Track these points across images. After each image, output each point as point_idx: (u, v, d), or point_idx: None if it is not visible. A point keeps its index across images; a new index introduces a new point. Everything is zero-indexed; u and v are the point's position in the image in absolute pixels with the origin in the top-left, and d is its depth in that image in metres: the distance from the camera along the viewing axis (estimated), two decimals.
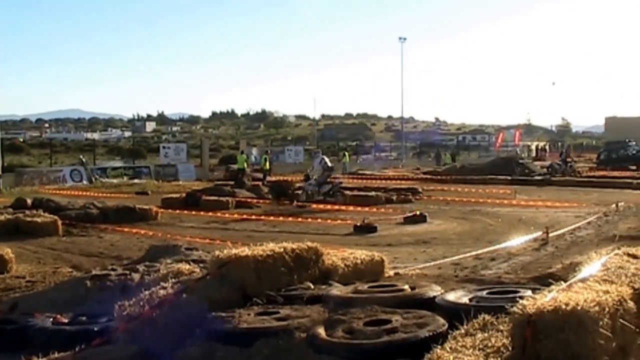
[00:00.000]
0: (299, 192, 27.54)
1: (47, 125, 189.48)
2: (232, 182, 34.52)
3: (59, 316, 7.59)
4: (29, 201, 23.07)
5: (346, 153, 60.08)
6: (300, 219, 20.80)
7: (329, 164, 28.36)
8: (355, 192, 28.99)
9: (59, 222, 18.30)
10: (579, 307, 4.60)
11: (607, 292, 5.08)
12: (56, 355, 6.10)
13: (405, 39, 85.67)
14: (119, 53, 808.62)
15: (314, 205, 25.03)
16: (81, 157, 46.46)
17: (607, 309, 4.77)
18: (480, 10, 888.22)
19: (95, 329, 7.00)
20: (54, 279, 10.70)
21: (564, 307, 4.61)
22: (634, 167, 48.53)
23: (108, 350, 6.27)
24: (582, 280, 5.53)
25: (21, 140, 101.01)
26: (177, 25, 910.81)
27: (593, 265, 6.25)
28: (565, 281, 5.60)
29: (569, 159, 46.25)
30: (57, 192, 33.03)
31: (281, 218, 21.18)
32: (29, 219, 18.36)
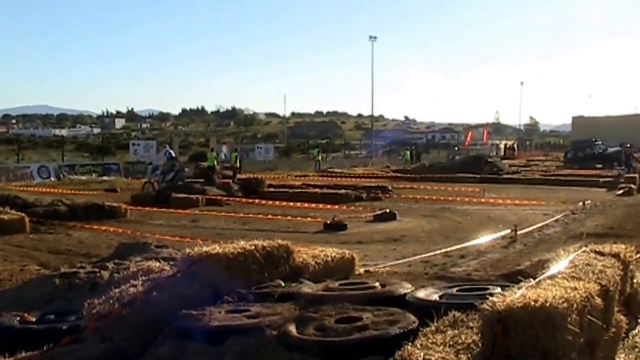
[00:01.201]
0: (147, 184, 30.15)
1: (14, 121, 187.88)
2: (202, 180, 34.39)
3: (26, 315, 7.51)
4: None
5: (319, 150, 60.15)
6: (270, 217, 20.78)
7: (174, 154, 31.57)
8: (326, 190, 29.08)
9: (27, 220, 18.14)
10: (548, 304, 4.64)
11: (575, 289, 5.12)
12: (24, 355, 6.03)
13: (376, 38, 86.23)
14: (88, 49, 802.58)
15: (284, 203, 25.04)
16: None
17: (575, 306, 4.81)
18: (449, 9, 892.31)
19: (64, 327, 6.92)
20: (22, 277, 10.62)
21: (533, 304, 4.65)
22: (600, 166, 49.03)
23: (77, 349, 6.22)
24: (551, 278, 5.58)
25: None
26: (145, 21, 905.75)
27: (561, 263, 6.31)
28: (534, 278, 5.64)
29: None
30: (25, 189, 32.71)
31: (251, 215, 21.15)
32: None
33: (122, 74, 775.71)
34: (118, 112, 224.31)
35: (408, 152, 72.93)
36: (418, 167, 51.72)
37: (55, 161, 49.79)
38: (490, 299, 4.87)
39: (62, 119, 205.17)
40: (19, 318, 7.41)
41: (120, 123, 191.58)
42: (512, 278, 7.80)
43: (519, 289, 5.13)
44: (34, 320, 7.37)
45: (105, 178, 42.75)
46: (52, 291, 8.53)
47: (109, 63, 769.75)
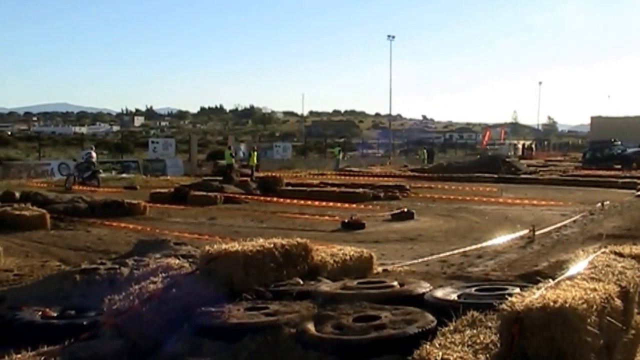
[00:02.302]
0: (67, 177, 34.08)
1: (35, 118, 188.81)
2: (220, 178, 34.45)
3: (47, 310, 7.58)
4: (17, 194, 23.00)
5: (339, 149, 60.17)
6: (287, 215, 20.80)
7: (94, 157, 35.54)
8: (343, 189, 29.07)
9: (47, 216, 18.29)
10: (567, 305, 4.63)
11: (594, 290, 5.11)
12: (45, 349, 6.08)
13: (394, 37, 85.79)
14: (108, 48, 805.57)
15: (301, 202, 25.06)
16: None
17: (594, 307, 4.80)
18: (468, 9, 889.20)
19: (84, 323, 6.99)
20: (42, 272, 10.70)
21: (552, 304, 4.64)
22: (618, 166, 48.74)
23: (96, 344, 6.27)
24: (570, 278, 5.56)
25: (9, 133, 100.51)
26: (165, 21, 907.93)
27: (580, 264, 6.29)
28: (552, 279, 5.63)
29: None
30: (45, 185, 32.88)
31: (269, 214, 21.17)
32: (16, 212, 18.32)
33: (141, 73, 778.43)
34: (137, 110, 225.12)
35: (425, 152, 72.77)
36: (435, 167, 51.59)
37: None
38: (509, 298, 4.88)
39: (82, 117, 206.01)
40: (40, 313, 7.49)
41: (139, 121, 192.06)
42: (530, 278, 7.79)
43: (538, 289, 5.13)
44: (54, 315, 7.45)
45: (124, 175, 42.89)
46: (72, 287, 8.60)
47: (128, 62, 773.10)
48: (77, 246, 15.13)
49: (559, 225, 17.42)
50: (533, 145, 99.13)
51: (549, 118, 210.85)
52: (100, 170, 36.85)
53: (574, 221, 18.34)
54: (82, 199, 21.85)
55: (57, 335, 6.45)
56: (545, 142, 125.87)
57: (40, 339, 6.38)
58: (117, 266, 9.07)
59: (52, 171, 41.38)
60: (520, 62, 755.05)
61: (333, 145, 68.49)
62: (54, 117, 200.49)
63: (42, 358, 5.83)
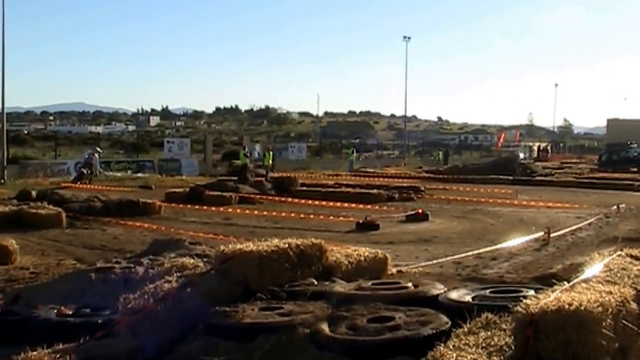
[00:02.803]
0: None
1: (51, 118, 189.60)
2: (235, 178, 34.51)
3: (62, 308, 7.62)
4: (34, 193, 23.12)
5: (353, 150, 60.13)
6: (302, 215, 20.81)
7: (94, 159, 37.95)
8: (358, 190, 29.06)
9: (63, 215, 18.37)
10: (582, 308, 4.62)
11: (610, 293, 5.10)
12: (60, 346, 6.12)
13: (409, 38, 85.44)
14: (124, 47, 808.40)
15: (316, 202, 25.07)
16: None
17: (609, 310, 4.79)
18: (484, 10, 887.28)
19: (99, 321, 7.02)
20: (58, 270, 10.75)
21: (567, 307, 4.63)
22: (634, 169, 48.53)
23: (111, 342, 6.30)
24: (585, 281, 5.55)
25: (25, 132, 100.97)
26: (180, 20, 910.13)
27: (596, 266, 6.28)
28: (567, 281, 5.62)
29: None
30: (61, 184, 33.04)
31: (283, 214, 21.19)
32: (33, 210, 18.42)
33: (157, 73, 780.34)
34: (152, 110, 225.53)
35: (440, 153, 72.65)
36: (450, 168, 51.46)
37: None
38: (524, 301, 4.87)
39: (98, 116, 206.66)
40: (55, 311, 7.52)
41: (154, 121, 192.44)
42: (545, 281, 7.76)
43: (553, 291, 5.12)
44: (69, 313, 7.48)
45: (139, 175, 43.02)
46: (88, 285, 8.62)
47: (144, 62, 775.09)
48: (93, 245, 15.20)
49: (574, 227, 17.37)
50: (548, 148, 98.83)
51: (565, 120, 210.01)
52: (98, 173, 38.61)
53: (590, 224, 18.29)
54: (98, 198, 21.93)
55: (72, 333, 6.48)
56: (561, 144, 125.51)
57: (55, 336, 6.42)
58: (132, 265, 9.09)
59: (68, 170, 41.53)
60: (536, 63, 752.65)
61: (349, 147, 68.36)
62: (70, 117, 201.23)
63: (58, 356, 5.86)
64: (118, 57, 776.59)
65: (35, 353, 5.90)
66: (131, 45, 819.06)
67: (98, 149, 42.42)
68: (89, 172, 36.92)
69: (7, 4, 38.85)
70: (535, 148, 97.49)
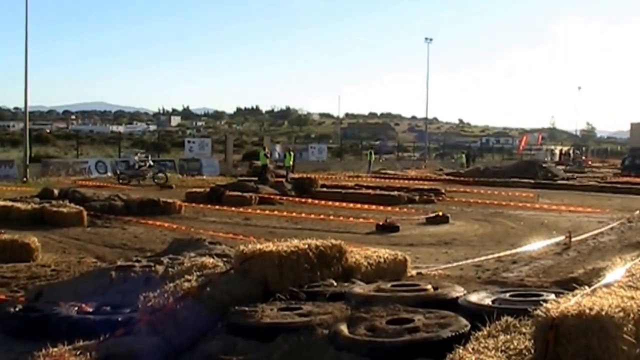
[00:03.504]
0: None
1: (73, 117, 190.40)
2: (255, 178, 34.56)
3: (83, 305, 7.67)
4: (55, 191, 23.26)
5: (372, 152, 60.01)
6: (322, 217, 20.81)
7: (133, 161, 38.29)
8: (378, 192, 29.03)
9: (84, 213, 18.49)
10: (603, 313, 4.58)
11: (632, 298, 5.05)
12: (81, 343, 6.17)
13: (431, 39, 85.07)
14: (146, 47, 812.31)
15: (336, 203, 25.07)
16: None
17: (631, 315, 4.74)
18: (505, 11, 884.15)
19: (119, 319, 7.07)
20: (79, 268, 10.82)
21: (588, 311, 4.60)
22: None
23: (131, 340, 6.34)
24: (607, 286, 5.52)
25: (48, 131, 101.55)
26: (203, 21, 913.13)
27: (617, 271, 6.25)
28: (588, 286, 5.58)
29: None
30: (82, 183, 33.23)
31: (303, 215, 21.20)
32: (54, 209, 18.57)
33: (178, 73, 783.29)
34: (174, 110, 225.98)
35: (463, 155, 72.36)
36: (471, 171, 51.26)
37: (112, 157, 50.48)
38: (544, 305, 4.84)
39: (119, 116, 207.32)
40: (76, 308, 7.58)
41: (175, 120, 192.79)
42: (565, 285, 7.74)
43: (574, 296, 5.09)
44: (90, 310, 7.53)
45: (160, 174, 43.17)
46: (108, 283, 8.67)
47: (165, 62, 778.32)
48: (113, 243, 15.29)
49: (596, 232, 17.26)
50: (570, 151, 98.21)
51: (588, 124, 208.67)
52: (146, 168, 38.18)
53: (612, 228, 18.16)
54: (119, 197, 22.03)
55: (92, 331, 6.55)
56: (583, 148, 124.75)
57: (76, 333, 6.49)
58: (152, 264, 9.13)
59: (89, 169, 41.77)
60: (559, 66, 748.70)
61: (368, 148, 68.21)
62: (92, 116, 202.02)
63: (78, 352, 5.91)
64: (140, 57, 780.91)
65: (56, 349, 5.95)
66: (153, 45, 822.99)
67: (138, 152, 43.00)
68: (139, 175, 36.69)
69: (30, 2, 39.07)
70: (557, 152, 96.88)
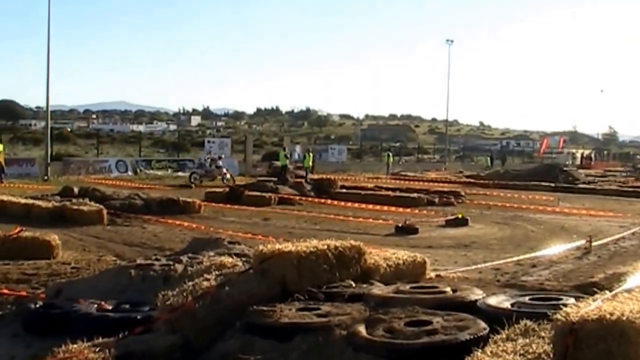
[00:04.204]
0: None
1: (94, 116, 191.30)
2: (274, 179, 34.61)
3: (102, 303, 7.71)
4: (76, 190, 23.39)
5: (390, 154, 59.93)
6: (341, 217, 20.81)
7: (203, 160, 38.28)
8: (397, 193, 29.00)
9: (104, 212, 18.59)
10: (624, 318, 4.55)
11: None
12: (100, 340, 6.20)
13: (452, 41, 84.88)
14: (167, 48, 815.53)
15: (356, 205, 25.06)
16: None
17: None
18: (527, 13, 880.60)
19: (138, 317, 7.10)
20: (98, 266, 10.86)
21: (608, 316, 4.57)
22: None
23: (150, 338, 6.37)
24: (628, 291, 5.47)
25: (69, 130, 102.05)
26: (223, 22, 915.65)
27: (638, 276, 6.20)
28: (608, 291, 5.55)
29: None
30: (103, 182, 33.41)
31: (322, 216, 21.20)
32: (75, 207, 18.70)
33: (199, 73, 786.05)
34: (194, 110, 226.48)
35: (488, 158, 72.14)
36: (491, 174, 51.13)
37: (132, 156, 50.73)
38: (564, 309, 4.81)
39: (140, 115, 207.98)
40: (95, 305, 7.62)
41: (195, 120, 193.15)
42: (585, 290, 7.67)
43: (594, 300, 5.06)
44: (109, 308, 7.57)
45: (179, 174, 43.33)
46: (127, 281, 8.70)
47: (186, 62, 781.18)
48: (133, 242, 15.35)
49: (617, 237, 17.16)
50: (592, 155, 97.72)
51: (610, 127, 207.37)
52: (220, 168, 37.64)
53: (633, 233, 18.06)
54: (139, 196, 22.12)
55: (111, 328, 6.57)
56: (605, 152, 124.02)
57: (95, 330, 6.52)
58: (171, 263, 9.15)
59: (109, 168, 41.99)
60: (582, 69, 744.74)
61: (387, 150, 68.16)
62: (112, 115, 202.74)
63: (97, 349, 5.94)
64: (160, 57, 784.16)
65: (75, 346, 5.98)
66: (173, 46, 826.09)
67: (211, 151, 43.12)
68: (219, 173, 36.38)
69: (53, 2, 39.31)
70: (579, 155, 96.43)
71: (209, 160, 37.46)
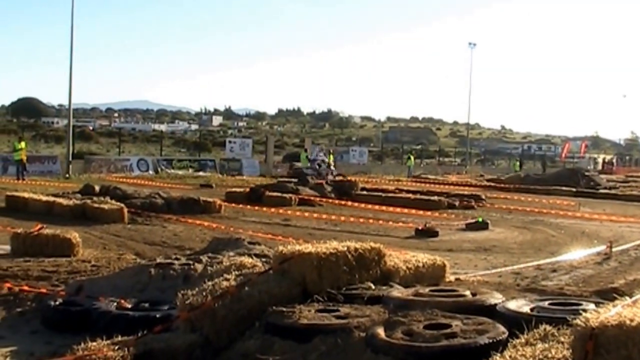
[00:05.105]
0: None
1: (116, 114, 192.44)
2: (295, 180, 34.64)
3: (122, 301, 7.76)
4: (97, 188, 23.51)
5: (411, 156, 59.86)
6: (361, 219, 20.80)
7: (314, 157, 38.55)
8: (418, 196, 28.94)
9: (125, 210, 18.66)
10: None
11: None
12: (119, 338, 6.24)
13: (475, 44, 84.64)
14: (189, 48, 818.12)
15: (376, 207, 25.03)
16: None
17: None
18: (550, 18, 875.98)
19: (157, 315, 7.14)
20: (119, 264, 10.92)
21: (628, 322, 4.54)
22: None
23: (168, 337, 6.40)
24: None
25: (91, 128, 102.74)
26: (247, 23, 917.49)
27: None
28: (629, 296, 5.52)
29: None
30: (124, 180, 33.56)
31: (343, 217, 21.20)
32: (96, 205, 18.79)
33: (221, 73, 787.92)
34: (215, 110, 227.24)
35: (517, 162, 71.88)
36: (512, 178, 50.90)
37: (154, 155, 51.08)
38: (584, 314, 4.79)
39: (161, 115, 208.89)
40: (115, 303, 7.67)
41: (217, 120, 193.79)
42: (605, 295, 7.65)
43: (614, 306, 5.03)
44: (129, 306, 7.61)
45: (200, 173, 43.53)
46: (147, 280, 8.74)
47: (208, 62, 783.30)
48: (153, 241, 15.40)
49: (638, 242, 17.02)
50: (614, 160, 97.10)
51: (632, 133, 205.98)
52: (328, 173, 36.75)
53: None
54: (160, 195, 22.18)
55: (131, 326, 6.62)
56: (627, 157, 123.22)
57: (115, 328, 6.57)
58: (191, 262, 9.18)
59: (131, 166, 42.21)
60: (604, 73, 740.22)
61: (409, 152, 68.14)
62: (134, 114, 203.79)
63: (117, 347, 5.97)
64: (183, 57, 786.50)
65: (94, 344, 6.02)
66: (196, 46, 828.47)
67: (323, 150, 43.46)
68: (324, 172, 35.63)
69: (76, 2, 39.62)
70: (600, 160, 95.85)
71: (320, 161, 36.92)
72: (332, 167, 36.44)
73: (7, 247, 12.48)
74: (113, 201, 19.62)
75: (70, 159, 39.18)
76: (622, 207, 30.37)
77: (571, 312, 5.59)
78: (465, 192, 33.21)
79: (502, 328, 5.70)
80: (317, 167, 35.73)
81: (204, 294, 6.77)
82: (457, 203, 27.19)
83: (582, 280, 11.87)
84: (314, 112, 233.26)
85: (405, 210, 23.83)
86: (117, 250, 13.36)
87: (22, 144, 35.22)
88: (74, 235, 12.27)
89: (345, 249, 7.62)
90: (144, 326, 6.54)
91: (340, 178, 34.09)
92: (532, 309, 6.33)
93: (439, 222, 20.33)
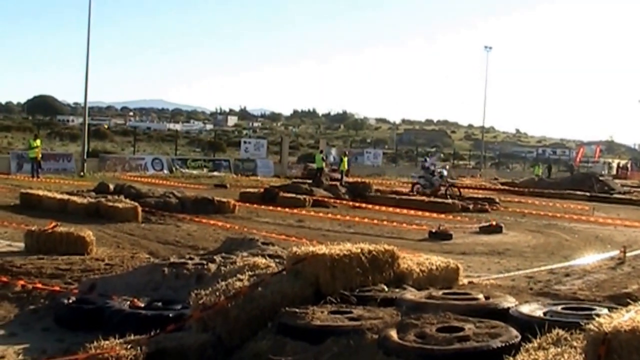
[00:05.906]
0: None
1: (131, 113, 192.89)
2: (309, 181, 34.65)
3: (135, 300, 7.78)
4: (111, 186, 23.60)
5: (427, 159, 59.76)
6: (375, 221, 20.79)
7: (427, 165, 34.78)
8: (432, 199, 28.92)
9: (139, 209, 18.71)
10: None
11: None
12: (132, 337, 6.25)
13: (490, 48, 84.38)
14: (206, 49, 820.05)
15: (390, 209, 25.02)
16: None
17: None
18: (566, 23, 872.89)
19: (170, 315, 7.15)
20: (132, 263, 10.95)
21: None
22: None
23: (182, 336, 6.42)
24: None
25: (106, 126, 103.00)
26: (264, 24, 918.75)
27: None
28: None
29: None
30: (138, 179, 33.66)
31: (357, 219, 21.20)
32: (110, 203, 18.85)
33: (236, 73, 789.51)
34: (230, 110, 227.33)
35: (537, 167, 71.68)
36: (526, 181, 50.78)
37: (168, 154, 51.22)
38: (597, 319, 4.78)
39: (176, 114, 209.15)
40: (128, 302, 7.69)
41: (232, 120, 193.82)
42: (619, 300, 7.62)
43: (627, 311, 5.01)
44: (142, 305, 7.64)
45: (215, 173, 43.64)
46: (160, 279, 8.76)
47: (224, 62, 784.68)
48: (167, 240, 15.43)
49: None
50: (628, 165, 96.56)
51: None
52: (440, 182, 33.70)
53: None
54: (174, 195, 22.23)
55: (144, 325, 6.64)
56: None
57: (127, 327, 6.59)
58: (204, 262, 9.19)
59: (145, 165, 42.34)
60: (620, 78, 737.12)
61: (423, 155, 67.97)
62: (149, 113, 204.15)
63: (129, 346, 5.99)
64: (198, 58, 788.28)
65: (107, 342, 6.04)
66: (212, 46, 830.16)
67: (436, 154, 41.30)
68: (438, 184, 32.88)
69: (94, 3, 39.82)
70: (615, 165, 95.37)
71: (432, 169, 33.91)
72: (448, 180, 34.11)
73: (21, 245, 12.56)
74: (127, 200, 19.68)
75: (85, 157, 39.33)
76: (637, 212, 30.28)
77: (584, 316, 5.57)
78: (479, 195, 33.16)
79: (514, 332, 5.68)
80: (431, 176, 33.38)
81: (217, 293, 6.78)
82: (471, 206, 27.19)
83: (595, 285, 11.82)
84: (329, 114, 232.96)
85: (419, 213, 23.78)
86: (130, 249, 13.40)
87: (38, 142, 35.46)
88: (87, 233, 12.32)
89: (359, 250, 7.62)
90: (157, 325, 6.56)
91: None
92: (545, 313, 6.31)
93: (452, 225, 20.31)
